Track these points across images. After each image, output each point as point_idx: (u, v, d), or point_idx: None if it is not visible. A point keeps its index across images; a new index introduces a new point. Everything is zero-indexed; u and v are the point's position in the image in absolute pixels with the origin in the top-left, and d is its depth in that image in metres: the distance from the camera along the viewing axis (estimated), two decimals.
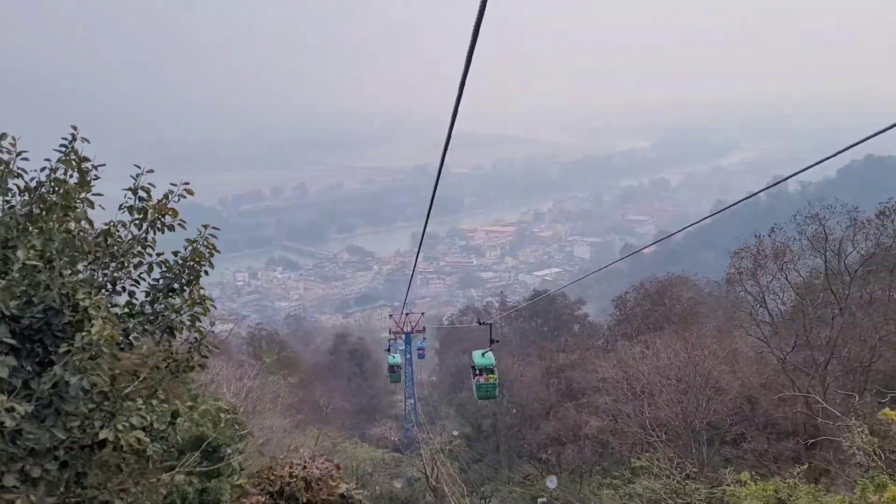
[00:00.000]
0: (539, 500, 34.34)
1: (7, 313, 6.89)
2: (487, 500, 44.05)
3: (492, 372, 29.20)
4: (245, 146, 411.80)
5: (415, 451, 53.18)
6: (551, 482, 32.32)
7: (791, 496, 13.09)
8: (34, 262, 7.11)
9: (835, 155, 8.24)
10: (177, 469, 9.34)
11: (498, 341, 29.36)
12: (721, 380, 28.11)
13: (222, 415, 9.81)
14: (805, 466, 15.47)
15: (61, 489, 7.40)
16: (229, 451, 10.66)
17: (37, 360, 7.37)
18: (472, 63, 6.43)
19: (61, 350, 7.03)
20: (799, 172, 10.22)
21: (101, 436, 7.09)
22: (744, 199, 12.54)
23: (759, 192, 13.38)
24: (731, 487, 15.46)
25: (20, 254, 7.06)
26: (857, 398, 19.79)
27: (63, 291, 7.35)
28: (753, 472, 18.53)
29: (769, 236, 30.23)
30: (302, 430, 41.87)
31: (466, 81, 6.85)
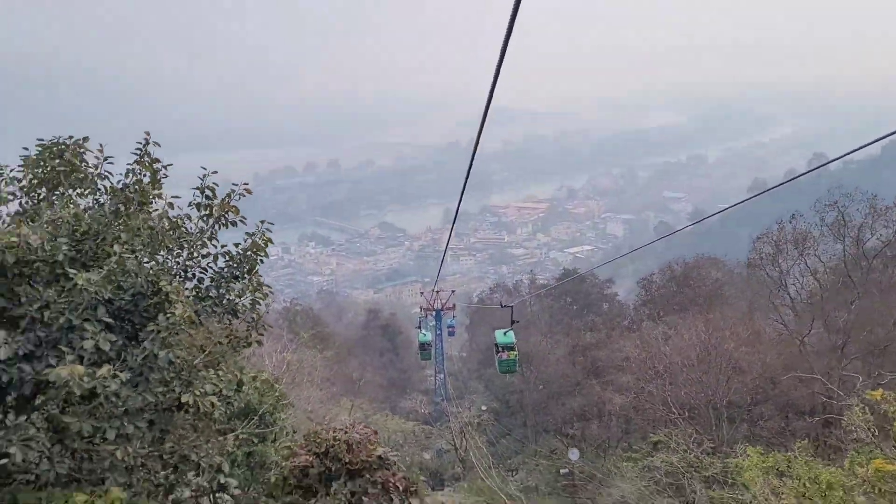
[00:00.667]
0: (562, 471, 35.76)
1: (105, 297, 8.27)
2: (514, 473, 45.47)
3: (512, 349, 31.74)
4: (278, 123, 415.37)
5: (444, 425, 54.81)
6: (573, 454, 33.72)
7: (789, 468, 14.16)
8: (126, 255, 8.47)
9: (881, 139, 8.19)
10: (237, 431, 10.81)
11: (518, 321, 31.47)
12: (742, 360, 29.00)
13: (276, 386, 11.19)
14: (805, 442, 16.44)
15: (148, 444, 8.87)
16: (283, 416, 12.08)
17: (126, 336, 8.78)
18: (510, 39, 6.43)
19: (149, 328, 8.42)
20: (843, 157, 10.08)
21: (183, 399, 8.51)
22: (781, 185, 12.33)
23: (798, 176, 13.46)
24: (736, 460, 16.56)
25: (116, 248, 8.44)
26: (861, 379, 20.61)
27: (149, 279, 8.74)
28: (767, 448, 19.55)
29: (790, 223, 30.90)
30: (336, 402, 43.75)
31: (504, 57, 6.83)
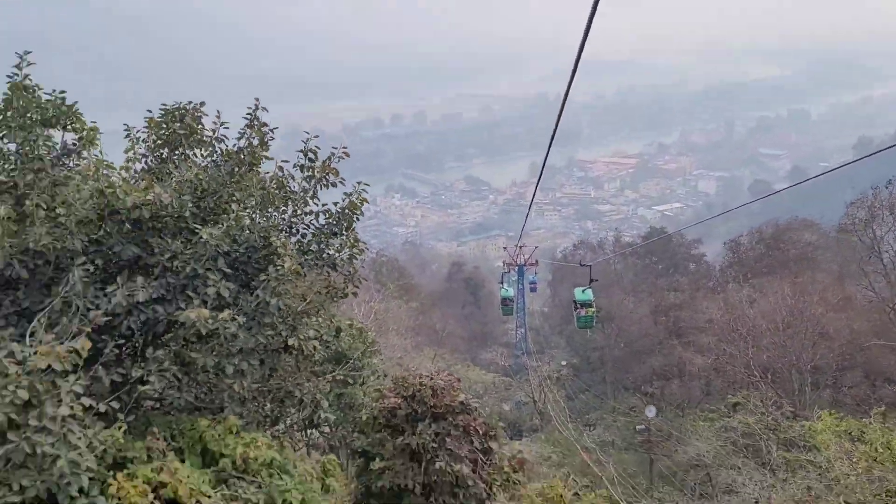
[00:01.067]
0: (637, 427, 36.36)
1: (224, 250, 9.38)
2: (592, 427, 46.24)
3: (590, 306, 33.22)
4: (366, 73, 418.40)
5: (523, 378, 55.91)
6: (650, 411, 34.24)
7: (863, 433, 14.28)
8: (241, 213, 9.54)
9: None
10: (334, 373, 11.97)
11: (597, 280, 32.45)
12: (829, 326, 28.49)
13: (368, 333, 12.23)
14: (882, 409, 16.36)
15: (259, 380, 10.07)
16: (374, 361, 13.18)
17: (240, 284, 9.92)
18: None
19: (260, 278, 9.51)
20: None
21: (290, 342, 9.61)
22: (887, 149, 11.60)
23: None
24: (809, 423, 16.70)
25: (233, 206, 9.52)
26: None
27: (261, 234, 9.82)
28: (850, 415, 19.47)
29: (886, 188, 29.72)
30: (420, 350, 45.46)
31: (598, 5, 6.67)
